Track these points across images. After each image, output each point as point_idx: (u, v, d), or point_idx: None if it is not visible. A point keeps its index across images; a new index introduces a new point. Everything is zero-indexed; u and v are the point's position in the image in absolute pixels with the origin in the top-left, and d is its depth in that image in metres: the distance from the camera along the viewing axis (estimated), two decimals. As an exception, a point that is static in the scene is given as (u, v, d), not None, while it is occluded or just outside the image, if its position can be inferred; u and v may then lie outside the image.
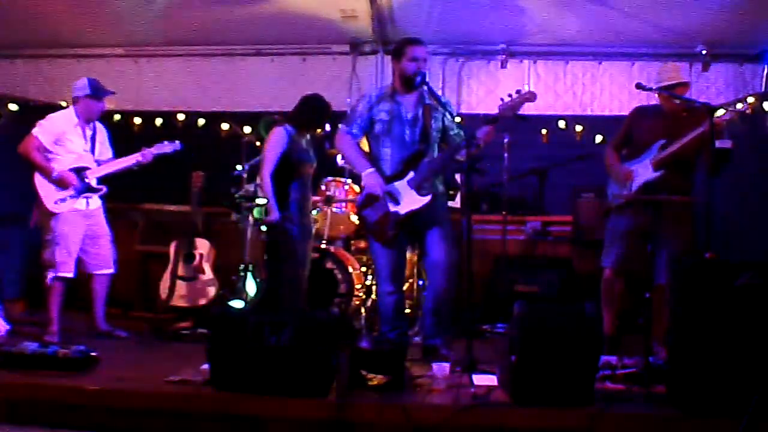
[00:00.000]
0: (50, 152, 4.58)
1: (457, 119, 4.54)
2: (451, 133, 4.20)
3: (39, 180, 4.57)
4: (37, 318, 4.97)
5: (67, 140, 4.63)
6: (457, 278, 4.22)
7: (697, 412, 3.07)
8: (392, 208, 4.10)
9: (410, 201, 4.08)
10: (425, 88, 4.13)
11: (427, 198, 4.07)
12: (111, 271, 4.89)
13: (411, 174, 4.10)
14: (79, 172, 4.65)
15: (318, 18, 5.93)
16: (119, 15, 5.96)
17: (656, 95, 4.39)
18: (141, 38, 6.32)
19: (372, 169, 4.15)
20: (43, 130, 4.57)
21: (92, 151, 4.76)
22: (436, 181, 4.21)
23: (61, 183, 4.56)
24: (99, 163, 4.79)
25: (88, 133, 4.74)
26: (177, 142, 4.91)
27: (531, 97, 3.88)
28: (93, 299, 4.83)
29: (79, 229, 4.67)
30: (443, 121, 4.20)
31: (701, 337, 3.15)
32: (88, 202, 4.73)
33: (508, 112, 3.88)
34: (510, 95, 3.88)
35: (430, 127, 4.15)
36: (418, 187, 4.08)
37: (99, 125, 4.88)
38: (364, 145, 4.49)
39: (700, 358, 3.12)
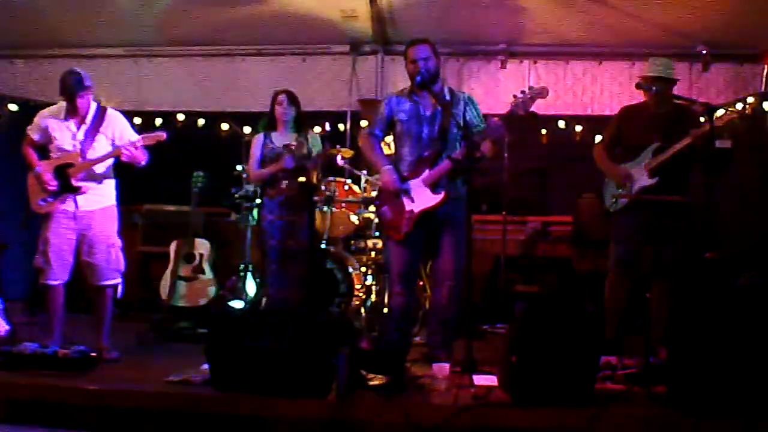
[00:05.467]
0: (48, 150, 4.33)
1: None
2: (475, 131, 4.03)
3: (30, 179, 4.31)
4: (38, 318, 4.96)
5: (53, 137, 4.28)
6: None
7: (697, 412, 3.07)
8: (407, 206, 4.09)
9: (424, 199, 4.05)
10: (442, 86, 4.14)
11: (440, 196, 4.03)
12: (107, 282, 4.27)
13: (426, 172, 4.08)
14: (62, 169, 4.22)
15: (318, 18, 5.94)
16: (119, 15, 5.97)
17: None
18: (141, 38, 6.33)
19: (389, 167, 4.13)
20: (32, 127, 4.36)
21: (85, 146, 4.25)
22: (455, 182, 4.10)
23: (37, 180, 4.24)
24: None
25: (83, 127, 4.28)
26: (163, 132, 4.42)
27: (543, 92, 3.80)
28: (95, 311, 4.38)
29: (66, 233, 4.22)
30: (465, 118, 4.10)
31: (701, 337, 3.15)
32: (76, 203, 4.24)
33: (519, 110, 3.81)
34: (523, 92, 3.80)
35: (449, 125, 4.09)
36: (432, 186, 4.06)
37: (111, 115, 4.37)
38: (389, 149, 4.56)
39: (701, 358, 3.12)
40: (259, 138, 4.88)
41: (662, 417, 3.13)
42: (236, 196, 5.53)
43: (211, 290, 5.43)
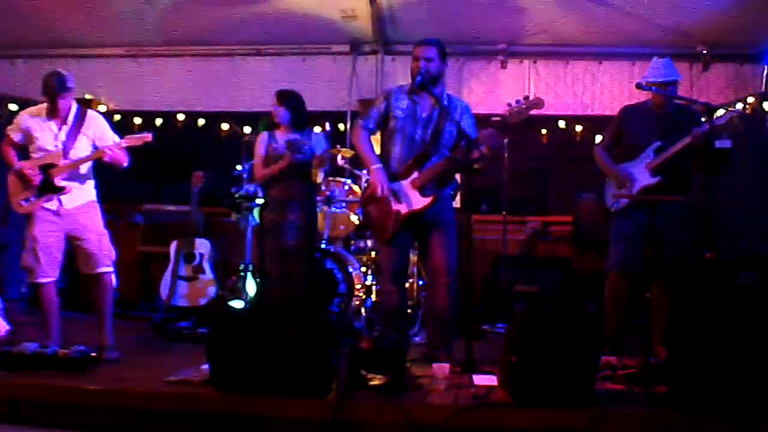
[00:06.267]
0: (28, 151, 4.29)
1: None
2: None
3: (10, 179, 4.29)
4: (38, 318, 4.95)
5: (34, 137, 4.24)
6: (457, 281, 4.19)
7: (697, 412, 3.07)
8: (394, 206, 4.10)
9: (412, 201, 4.06)
10: (442, 90, 4.13)
11: (429, 199, 4.04)
12: (103, 269, 4.27)
13: (415, 174, 4.08)
14: (44, 170, 4.21)
15: (318, 18, 5.94)
16: (119, 15, 5.97)
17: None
18: (141, 38, 6.32)
19: (379, 166, 4.13)
20: (12, 127, 4.33)
21: (67, 146, 4.23)
22: (442, 184, 4.14)
23: (20, 177, 4.22)
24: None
25: (65, 128, 4.25)
26: (149, 134, 4.34)
27: (539, 104, 3.85)
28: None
29: (52, 231, 4.22)
30: (459, 125, 4.07)
31: (701, 337, 3.15)
32: (60, 201, 4.23)
33: (514, 118, 3.84)
34: (518, 101, 3.83)
35: (443, 129, 4.10)
36: (421, 188, 4.07)
37: (92, 116, 4.37)
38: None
39: (701, 358, 3.12)
40: (264, 137, 4.89)
41: (662, 417, 3.13)
42: (236, 196, 5.53)
43: (211, 290, 5.43)
